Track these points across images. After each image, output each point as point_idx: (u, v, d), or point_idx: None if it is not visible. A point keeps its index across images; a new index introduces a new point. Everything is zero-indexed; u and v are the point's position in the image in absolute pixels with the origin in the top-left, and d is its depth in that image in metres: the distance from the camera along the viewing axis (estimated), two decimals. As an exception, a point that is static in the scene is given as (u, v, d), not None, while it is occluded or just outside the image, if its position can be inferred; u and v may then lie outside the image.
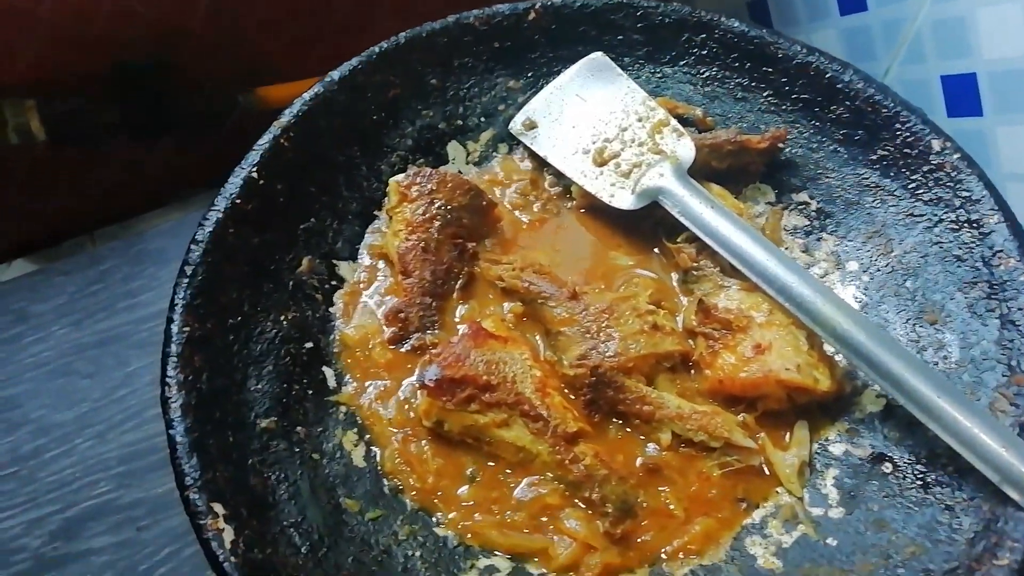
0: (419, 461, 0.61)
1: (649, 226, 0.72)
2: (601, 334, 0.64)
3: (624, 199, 0.72)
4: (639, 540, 0.58)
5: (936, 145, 0.67)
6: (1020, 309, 0.59)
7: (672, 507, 0.59)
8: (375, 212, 0.74)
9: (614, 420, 0.62)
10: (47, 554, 0.74)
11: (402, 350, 0.66)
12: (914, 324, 0.64)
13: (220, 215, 0.65)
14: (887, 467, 0.60)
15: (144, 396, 0.83)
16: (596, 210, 0.73)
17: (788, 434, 0.62)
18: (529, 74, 0.80)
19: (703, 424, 0.61)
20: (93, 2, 0.91)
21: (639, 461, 0.61)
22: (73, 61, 0.96)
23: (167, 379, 0.58)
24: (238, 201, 0.66)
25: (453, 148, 0.78)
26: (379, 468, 0.61)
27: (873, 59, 0.96)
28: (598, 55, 0.78)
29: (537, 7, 0.79)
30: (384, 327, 0.67)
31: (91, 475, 0.78)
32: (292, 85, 1.06)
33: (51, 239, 1.07)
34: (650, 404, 0.61)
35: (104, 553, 0.74)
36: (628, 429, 0.62)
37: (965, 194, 0.65)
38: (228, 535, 0.52)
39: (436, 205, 0.70)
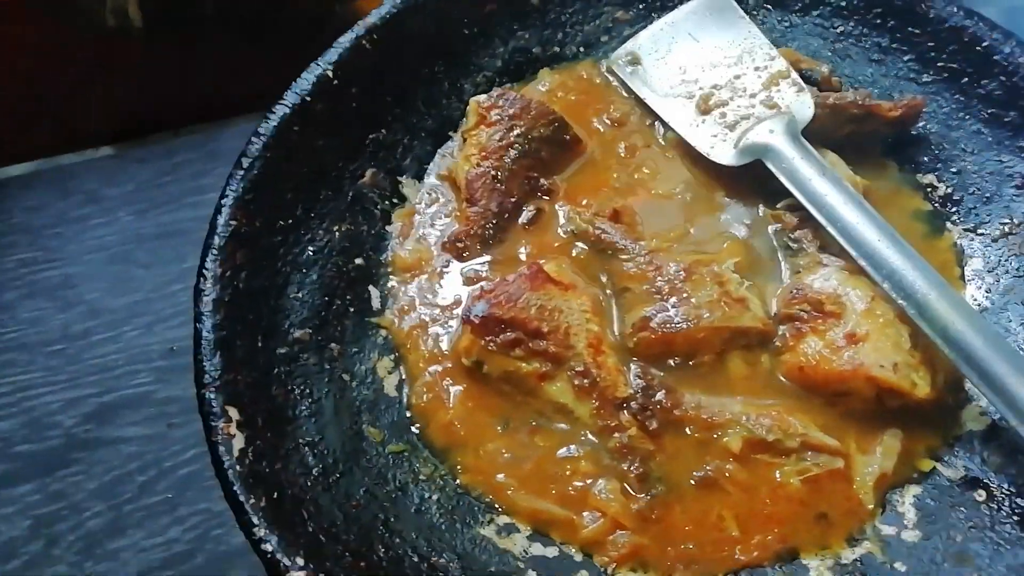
0: (449, 400, 0.56)
1: (752, 184, 0.64)
2: (673, 297, 0.58)
3: (724, 153, 0.65)
4: (682, 547, 0.52)
5: (1103, 138, 0.57)
6: None
7: (726, 522, 0.52)
8: (451, 133, 0.69)
9: (672, 428, 0.55)
10: (79, 435, 0.73)
11: (454, 280, 0.61)
12: (1040, 338, 0.56)
13: (287, 110, 0.62)
14: (980, 494, 0.52)
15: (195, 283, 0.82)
16: (694, 158, 0.66)
17: (872, 440, 0.54)
18: (641, 6, 0.73)
19: (776, 421, 0.53)
20: None
21: (692, 476, 0.53)
22: (175, -54, 0.94)
23: (204, 271, 0.55)
24: (308, 99, 0.62)
25: (545, 76, 0.72)
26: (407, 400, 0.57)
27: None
28: (720, -8, 0.71)
29: (660, -69, 0.72)
30: (439, 254, 0.62)
31: (133, 364, 0.77)
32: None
33: (138, 132, 1.07)
34: (708, 411, 0.54)
35: (133, 443, 0.73)
36: (696, 435, 0.54)
37: None
38: (238, 442, 0.49)
39: (515, 132, 0.64)
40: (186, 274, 0.83)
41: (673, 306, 0.57)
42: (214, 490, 0.72)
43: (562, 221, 0.64)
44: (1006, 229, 0.60)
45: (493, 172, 0.63)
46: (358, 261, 0.62)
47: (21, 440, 0.74)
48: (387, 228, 0.65)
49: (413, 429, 0.56)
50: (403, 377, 0.58)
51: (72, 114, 1.10)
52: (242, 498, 0.47)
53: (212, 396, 0.50)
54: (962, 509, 0.51)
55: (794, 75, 0.66)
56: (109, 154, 0.95)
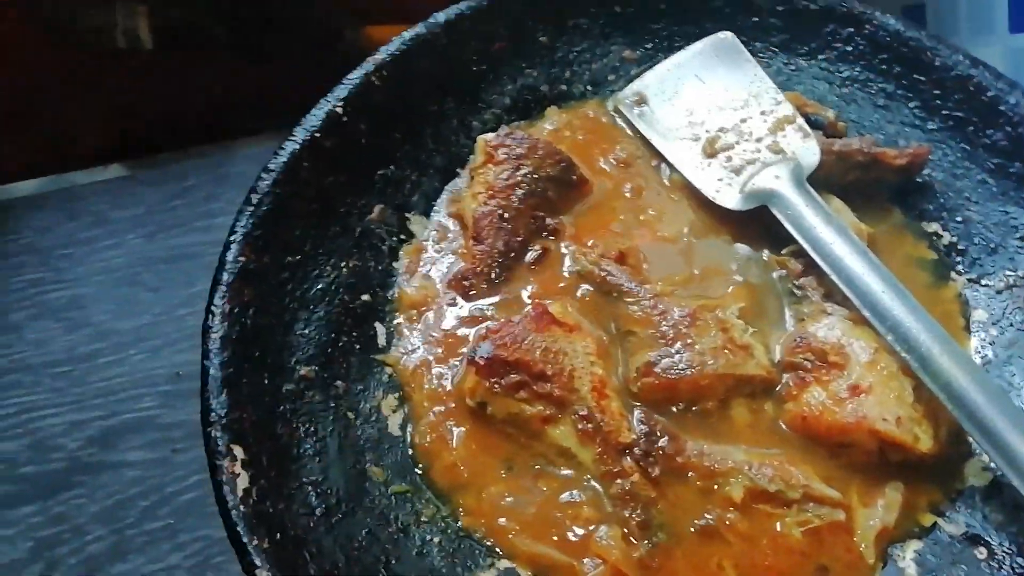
0: (452, 441, 0.56)
1: (758, 228, 0.64)
2: (677, 342, 0.58)
3: (730, 198, 0.65)
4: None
5: (1108, 193, 0.57)
6: None
7: (726, 572, 0.52)
8: (458, 169, 0.70)
9: (674, 475, 0.55)
10: (82, 458, 0.74)
11: (460, 318, 0.61)
12: (1044, 394, 0.56)
13: (297, 147, 0.62)
14: (981, 552, 0.52)
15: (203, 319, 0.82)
16: (699, 201, 0.66)
17: (875, 493, 0.54)
18: (648, 46, 0.73)
19: (778, 471, 0.54)
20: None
21: (693, 524, 0.53)
22: (188, -30, 0.95)
23: (212, 308, 0.55)
24: (318, 135, 0.63)
25: (552, 114, 0.72)
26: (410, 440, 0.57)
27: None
28: (727, 35, 0.71)
29: (669, -27, 0.72)
30: (445, 291, 0.63)
31: (138, 388, 0.77)
32: (401, 28, 1.02)
33: (149, 149, 1.08)
34: (710, 459, 0.54)
35: (136, 468, 0.73)
36: (698, 483, 0.54)
37: None
38: (243, 481, 0.49)
39: (522, 172, 0.65)
40: (194, 298, 0.84)
41: (677, 352, 0.57)
42: (216, 517, 0.72)
43: (568, 262, 0.64)
44: (1010, 281, 0.61)
45: (500, 211, 0.64)
46: (365, 297, 0.62)
47: (25, 462, 0.74)
48: (394, 264, 0.65)
49: (416, 470, 0.56)
50: (407, 415, 0.58)
51: (77, 131, 1.10)
52: (245, 539, 0.47)
53: (218, 434, 0.50)
54: (963, 567, 0.51)
55: (800, 120, 0.67)
56: (118, 175, 0.95)
